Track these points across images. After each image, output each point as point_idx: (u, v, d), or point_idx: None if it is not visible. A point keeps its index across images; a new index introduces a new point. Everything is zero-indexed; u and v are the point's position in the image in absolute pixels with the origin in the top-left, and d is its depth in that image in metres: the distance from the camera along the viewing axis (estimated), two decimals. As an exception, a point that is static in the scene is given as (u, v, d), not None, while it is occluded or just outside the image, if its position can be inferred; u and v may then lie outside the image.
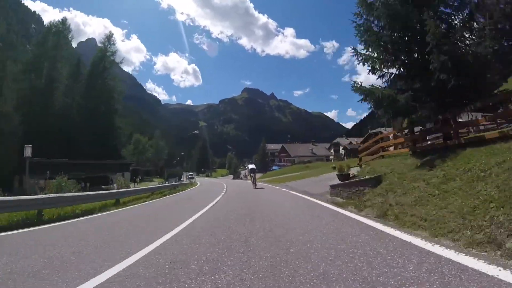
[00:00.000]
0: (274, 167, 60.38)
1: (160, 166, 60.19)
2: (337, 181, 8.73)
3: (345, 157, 40.38)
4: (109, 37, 42.22)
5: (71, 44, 45.91)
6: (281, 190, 12.73)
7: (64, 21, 39.47)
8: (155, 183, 32.01)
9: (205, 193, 15.23)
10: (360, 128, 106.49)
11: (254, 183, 15.47)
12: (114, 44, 42.71)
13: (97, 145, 34.87)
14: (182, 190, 19.44)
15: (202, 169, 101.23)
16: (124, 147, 45.69)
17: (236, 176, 62.12)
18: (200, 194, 14.59)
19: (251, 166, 17.64)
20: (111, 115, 40.01)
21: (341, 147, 52.38)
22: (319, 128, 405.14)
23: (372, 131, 34.74)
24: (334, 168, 11.06)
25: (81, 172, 27.02)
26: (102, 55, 40.72)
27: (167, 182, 29.97)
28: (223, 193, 12.72)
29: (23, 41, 49.88)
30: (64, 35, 38.84)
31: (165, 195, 15.14)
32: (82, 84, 39.04)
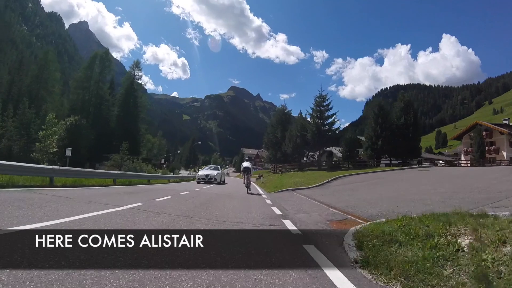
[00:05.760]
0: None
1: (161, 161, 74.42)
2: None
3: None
4: (137, 64, 56.54)
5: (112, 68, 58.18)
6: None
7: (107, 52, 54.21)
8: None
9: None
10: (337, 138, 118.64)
11: (248, 186, 12.96)
12: (140, 69, 56.82)
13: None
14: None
15: (191, 165, 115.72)
16: (144, 146, 59.68)
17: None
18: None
19: (245, 164, 13.67)
20: (137, 122, 54.48)
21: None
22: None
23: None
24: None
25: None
26: (131, 77, 54.67)
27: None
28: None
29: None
30: (108, 64, 53.11)
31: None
32: (119, 99, 53.16)
